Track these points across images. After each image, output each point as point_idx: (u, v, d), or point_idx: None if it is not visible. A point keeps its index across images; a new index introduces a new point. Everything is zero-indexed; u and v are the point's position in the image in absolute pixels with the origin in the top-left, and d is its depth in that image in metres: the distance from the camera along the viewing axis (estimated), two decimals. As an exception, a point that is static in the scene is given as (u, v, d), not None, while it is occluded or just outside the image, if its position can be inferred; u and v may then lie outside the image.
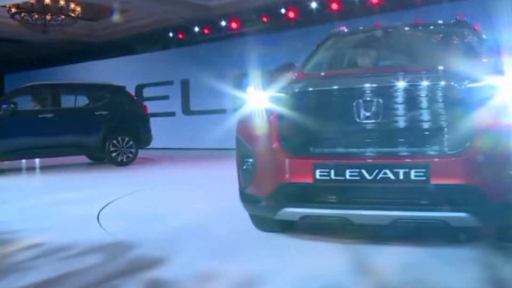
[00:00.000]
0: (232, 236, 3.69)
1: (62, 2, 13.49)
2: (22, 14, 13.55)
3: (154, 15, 15.46)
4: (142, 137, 10.30)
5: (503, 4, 7.46)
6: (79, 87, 10.64)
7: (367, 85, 2.88)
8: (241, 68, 12.36)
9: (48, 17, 13.77)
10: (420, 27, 4.67)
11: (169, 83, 15.64)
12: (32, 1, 13.04)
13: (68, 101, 10.28)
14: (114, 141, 9.79)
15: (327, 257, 3.06)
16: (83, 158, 10.80)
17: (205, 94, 14.14)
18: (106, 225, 4.25)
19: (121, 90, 10.52)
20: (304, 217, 3.05)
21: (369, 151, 2.85)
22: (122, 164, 9.90)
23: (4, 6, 13.16)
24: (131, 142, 10.03)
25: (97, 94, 10.36)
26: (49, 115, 9.41)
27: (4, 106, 8.96)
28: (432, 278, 2.65)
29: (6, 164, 9.32)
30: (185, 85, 15.43)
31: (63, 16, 13.96)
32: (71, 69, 18.30)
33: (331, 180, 2.86)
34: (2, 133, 8.77)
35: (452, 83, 2.77)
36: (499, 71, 2.81)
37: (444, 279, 2.63)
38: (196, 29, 15.41)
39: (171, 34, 16.18)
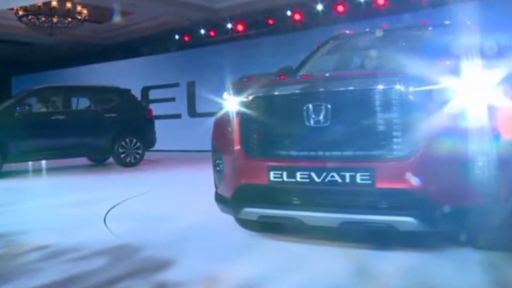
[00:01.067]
0: (237, 238, 3.70)
1: (68, 5, 13.55)
2: (29, 17, 13.61)
3: (160, 17, 15.50)
4: (148, 139, 10.58)
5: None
6: (88, 90, 10.79)
7: (316, 90, 2.97)
8: (247, 70, 12.39)
9: (55, 20, 13.83)
10: (413, 30, 4.69)
11: (175, 85, 15.67)
12: (39, 4, 13.10)
13: (76, 103, 10.46)
14: (123, 143, 10.07)
15: (330, 261, 3.07)
16: (83, 160, 10.95)
17: (211, 96, 14.13)
18: (113, 227, 4.27)
19: (127, 93, 10.80)
20: (262, 217, 3.14)
21: (318, 154, 2.90)
22: (130, 165, 10.16)
23: (11, 9, 13.23)
24: (138, 144, 10.31)
25: (105, 96, 10.57)
26: (61, 117, 9.60)
27: (18, 108, 9.05)
28: (435, 281, 2.66)
29: (13, 166, 9.38)
30: (191, 87, 15.45)
31: (69, 19, 14.01)
32: (78, 71, 18.37)
33: (283, 182, 2.94)
34: (17, 135, 8.89)
35: (398, 87, 2.74)
36: (461, 74, 2.75)
37: (447, 282, 2.64)
38: (202, 31, 15.44)
39: (177, 36, 16.22)
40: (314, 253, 3.22)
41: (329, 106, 2.85)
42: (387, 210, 2.75)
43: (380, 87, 2.80)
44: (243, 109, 3.19)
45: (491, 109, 2.66)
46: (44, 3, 13.10)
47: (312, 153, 2.92)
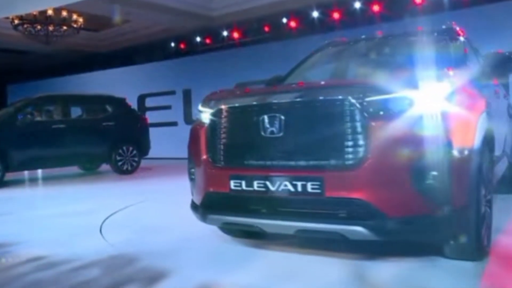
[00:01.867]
0: (233, 247, 3.69)
1: (64, 13, 13.55)
2: (25, 25, 13.61)
3: (156, 25, 15.53)
4: (143, 147, 10.77)
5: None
6: (85, 99, 10.89)
7: (270, 101, 3.06)
8: (243, 78, 12.40)
9: (50, 28, 13.83)
10: (398, 38, 4.72)
11: (171, 93, 15.67)
12: (34, 13, 13.10)
13: (74, 112, 10.49)
14: (120, 151, 10.26)
15: (325, 270, 3.06)
16: (74, 169, 11.01)
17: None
18: (109, 237, 4.25)
19: (122, 101, 10.93)
20: (225, 223, 3.28)
21: (273, 164, 2.97)
22: (127, 172, 10.34)
23: (7, 18, 13.22)
24: (134, 152, 10.52)
25: (101, 105, 10.69)
26: (62, 126, 9.69)
27: (20, 117, 9.06)
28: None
29: (9, 175, 9.33)
30: (187, 95, 15.46)
31: (65, 27, 14.02)
32: (74, 80, 18.36)
33: (242, 190, 3.03)
34: (19, 144, 8.90)
35: (345, 98, 2.79)
36: (414, 84, 2.80)
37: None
38: (198, 39, 15.46)
39: (173, 44, 16.23)
40: (309, 263, 3.21)
41: (282, 117, 2.93)
42: (336, 219, 2.78)
43: (328, 98, 2.87)
44: (209, 120, 3.32)
45: (443, 119, 2.69)
46: (40, 12, 13.11)
47: (268, 163, 2.99)
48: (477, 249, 2.94)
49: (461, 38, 4.27)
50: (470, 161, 2.75)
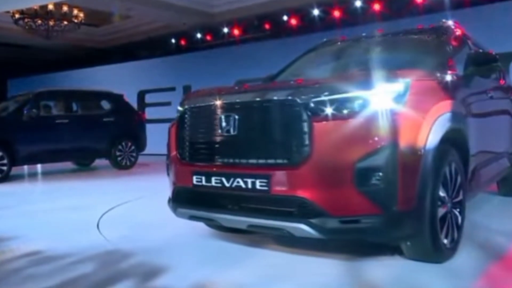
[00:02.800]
0: (228, 245, 3.69)
1: (65, 8, 13.53)
2: (26, 20, 13.59)
3: (157, 21, 15.51)
4: (141, 142, 10.92)
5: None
6: (86, 94, 10.95)
7: (227, 102, 3.18)
8: (243, 75, 12.39)
9: (51, 23, 13.81)
10: (385, 38, 4.71)
11: (171, 89, 15.66)
12: (35, 7, 13.09)
13: (76, 107, 10.61)
14: (119, 146, 10.41)
15: (318, 270, 3.07)
16: (68, 164, 11.04)
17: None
18: (106, 233, 4.26)
19: (120, 97, 11.02)
20: (191, 217, 3.39)
21: (229, 161, 3.11)
22: (125, 167, 10.52)
23: (7, 12, 13.21)
24: (133, 147, 10.68)
25: (101, 101, 10.85)
26: (65, 121, 9.80)
27: (26, 112, 9.09)
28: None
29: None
30: (187, 91, 15.46)
31: (66, 22, 14.00)
32: (74, 75, 18.35)
33: (203, 185, 3.18)
34: (25, 138, 8.94)
35: (290, 99, 2.87)
36: (363, 85, 2.84)
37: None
38: (199, 35, 15.45)
39: (173, 40, 16.22)
40: (302, 262, 3.22)
41: (236, 117, 3.05)
42: (282, 216, 2.85)
43: (275, 98, 2.96)
44: (179, 119, 3.48)
45: (388, 120, 2.70)
46: (41, 7, 13.09)
47: (224, 160, 3.14)
48: (435, 251, 2.96)
49: (452, 37, 4.18)
50: (419, 163, 2.77)
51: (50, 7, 13.25)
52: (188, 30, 15.51)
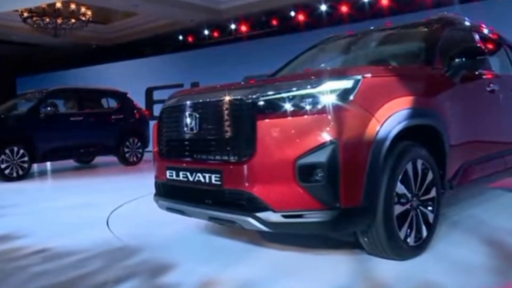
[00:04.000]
0: (235, 243, 3.70)
1: (73, 6, 13.61)
2: (34, 18, 13.67)
3: (164, 18, 15.54)
4: (145, 139, 11.07)
5: None
6: (95, 92, 11.05)
7: (191, 101, 3.35)
8: (251, 71, 12.38)
9: (59, 21, 13.89)
10: (389, 30, 4.66)
11: (179, 86, 15.68)
12: (43, 6, 13.16)
13: (87, 105, 10.68)
14: (127, 143, 10.57)
15: (324, 268, 3.08)
16: (70, 162, 11.11)
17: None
18: (115, 230, 4.28)
19: (125, 95, 11.13)
20: (168, 208, 3.57)
21: (192, 157, 3.30)
22: (132, 163, 10.69)
23: (16, 11, 13.29)
24: (139, 144, 10.87)
25: (109, 99, 10.97)
26: (79, 118, 9.93)
27: (44, 109, 9.17)
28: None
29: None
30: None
31: (73, 20, 14.06)
32: (81, 72, 18.41)
33: (174, 180, 3.39)
34: (43, 136, 9.04)
35: (241, 98, 2.99)
36: (310, 83, 2.87)
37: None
38: (206, 32, 15.46)
39: (181, 37, 16.24)
40: (307, 259, 3.22)
41: (197, 115, 3.25)
42: (233, 209, 2.98)
43: (226, 98, 3.09)
44: (159, 118, 3.69)
45: (332, 117, 2.72)
46: (49, 5, 13.16)
47: (189, 156, 3.33)
48: (393, 248, 2.98)
49: (445, 29, 4.11)
50: (366, 161, 2.78)
51: (58, 5, 13.33)
52: (195, 27, 15.53)
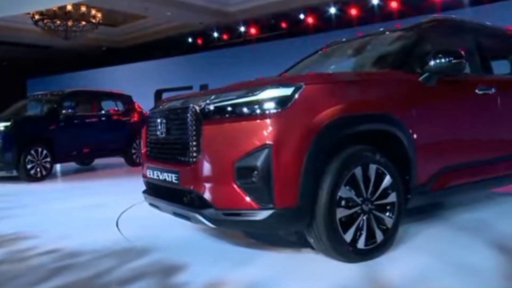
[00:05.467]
0: (243, 243, 3.71)
1: (83, 9, 13.71)
2: (45, 21, 13.80)
3: (174, 20, 15.61)
4: None
5: None
6: (105, 94, 11.20)
7: (161, 108, 3.72)
8: (259, 73, 12.42)
9: (69, 23, 14.00)
10: (381, 35, 4.63)
11: (189, 88, 15.76)
12: (54, 8, 13.28)
13: (99, 107, 10.90)
14: (134, 144, 10.67)
15: (334, 269, 3.09)
16: (71, 164, 11.11)
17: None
18: (125, 231, 4.31)
19: (130, 98, 11.30)
20: (150, 204, 3.85)
21: (161, 158, 3.64)
22: (139, 164, 10.43)
23: (27, 14, 13.42)
24: None
25: (117, 101, 11.11)
26: (94, 120, 10.22)
27: (64, 111, 9.34)
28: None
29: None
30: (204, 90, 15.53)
31: (84, 22, 14.18)
32: (91, 74, 18.55)
33: (151, 178, 3.71)
34: (63, 137, 9.20)
35: (191, 106, 3.22)
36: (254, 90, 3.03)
37: None
38: (215, 34, 15.52)
39: (190, 40, 16.31)
40: (313, 261, 3.23)
41: (164, 121, 3.56)
42: (187, 206, 3.26)
43: (179, 106, 3.44)
44: (146, 122, 4.02)
45: (266, 123, 2.89)
46: (59, 7, 13.27)
47: (160, 157, 3.66)
48: (337, 250, 3.06)
49: (431, 32, 4.07)
50: (300, 165, 2.89)
51: (69, 8, 13.44)
52: (204, 29, 15.59)
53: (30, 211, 5.62)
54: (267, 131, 2.88)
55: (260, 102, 2.95)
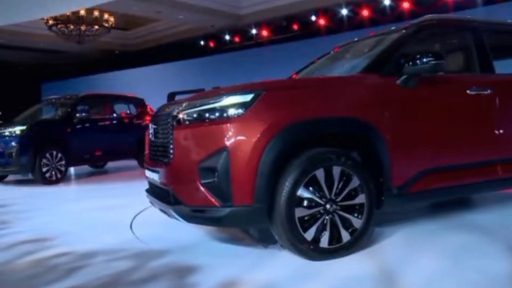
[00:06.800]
0: (251, 244, 3.73)
1: (96, 13, 13.84)
2: (59, 26, 13.94)
3: (186, 24, 15.69)
4: None
5: None
6: (119, 98, 11.29)
7: (154, 114, 4.08)
8: (272, 75, 12.41)
9: (83, 28, 14.14)
10: (374, 37, 4.56)
11: (200, 90, 15.78)
12: (68, 13, 13.41)
13: (112, 110, 11.03)
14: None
15: (350, 267, 3.09)
16: (84, 167, 11.22)
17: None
18: (139, 232, 4.34)
19: (142, 101, 11.33)
20: (150, 202, 4.08)
21: (152, 159, 3.92)
22: None
23: (42, 19, 13.57)
24: None
25: (130, 104, 11.15)
26: (107, 123, 10.30)
27: (78, 114, 9.45)
28: None
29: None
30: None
31: (97, 27, 14.30)
32: (104, 78, 18.68)
33: (148, 178, 3.96)
34: (78, 140, 9.31)
35: (168, 112, 3.56)
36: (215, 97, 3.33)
37: None
38: (227, 37, 15.56)
39: (202, 42, 16.37)
40: (328, 262, 3.24)
41: (154, 126, 3.91)
42: (166, 202, 3.51)
43: (162, 112, 3.77)
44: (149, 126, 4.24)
45: (227, 127, 3.14)
46: (73, 12, 13.41)
47: (152, 159, 3.93)
48: (297, 247, 3.19)
49: (417, 34, 4.02)
50: (256, 166, 3.09)
51: (82, 12, 13.57)
52: (216, 32, 15.64)
53: (46, 213, 5.68)
54: (225, 135, 3.13)
55: (221, 109, 3.22)
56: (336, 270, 3.06)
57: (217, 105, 3.24)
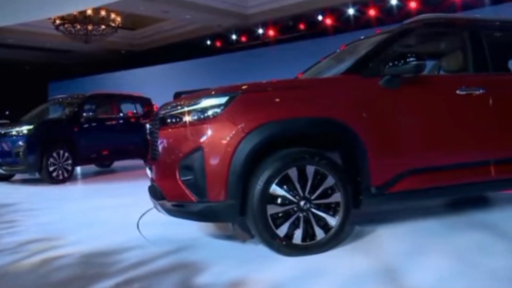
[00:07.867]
0: (257, 243, 3.71)
1: (103, 13, 13.87)
2: (66, 25, 13.99)
3: (193, 23, 15.70)
4: None
5: None
6: (126, 97, 11.31)
7: (155, 113, 4.12)
8: (278, 75, 12.40)
9: (89, 27, 14.18)
10: (371, 38, 4.52)
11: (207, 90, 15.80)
12: (75, 13, 13.46)
13: (119, 110, 11.04)
14: None
15: (356, 265, 3.07)
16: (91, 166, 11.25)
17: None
18: (145, 232, 4.34)
19: (149, 101, 11.35)
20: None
21: (150, 158, 4.05)
22: None
23: (49, 19, 13.62)
24: None
25: (137, 103, 11.19)
26: (113, 122, 10.34)
27: (85, 113, 9.49)
28: None
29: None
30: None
31: (104, 26, 14.34)
32: (111, 77, 18.72)
33: (149, 175, 4.13)
34: (84, 139, 9.34)
35: (157, 114, 3.82)
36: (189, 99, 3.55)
37: None
38: (234, 36, 15.56)
39: (209, 42, 16.37)
40: (335, 259, 3.24)
41: (150, 126, 4.09)
42: (155, 197, 3.79)
43: (156, 114, 3.91)
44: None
45: (202, 128, 3.34)
46: (80, 12, 13.45)
47: (149, 157, 4.06)
48: (268, 242, 3.33)
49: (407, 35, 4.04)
50: (228, 165, 3.25)
51: (89, 12, 13.61)
52: (223, 32, 15.65)
53: (52, 212, 5.70)
54: (201, 135, 3.34)
55: (200, 110, 3.40)
56: (343, 269, 3.04)
57: (196, 107, 3.43)
